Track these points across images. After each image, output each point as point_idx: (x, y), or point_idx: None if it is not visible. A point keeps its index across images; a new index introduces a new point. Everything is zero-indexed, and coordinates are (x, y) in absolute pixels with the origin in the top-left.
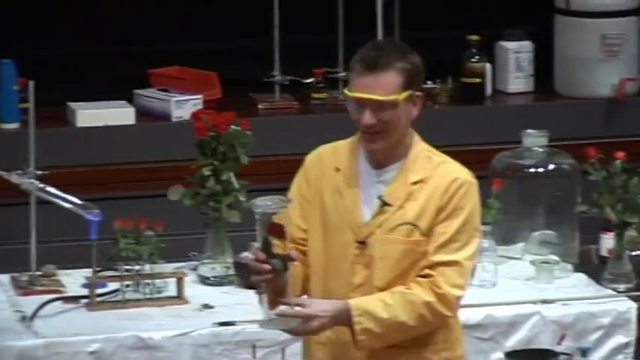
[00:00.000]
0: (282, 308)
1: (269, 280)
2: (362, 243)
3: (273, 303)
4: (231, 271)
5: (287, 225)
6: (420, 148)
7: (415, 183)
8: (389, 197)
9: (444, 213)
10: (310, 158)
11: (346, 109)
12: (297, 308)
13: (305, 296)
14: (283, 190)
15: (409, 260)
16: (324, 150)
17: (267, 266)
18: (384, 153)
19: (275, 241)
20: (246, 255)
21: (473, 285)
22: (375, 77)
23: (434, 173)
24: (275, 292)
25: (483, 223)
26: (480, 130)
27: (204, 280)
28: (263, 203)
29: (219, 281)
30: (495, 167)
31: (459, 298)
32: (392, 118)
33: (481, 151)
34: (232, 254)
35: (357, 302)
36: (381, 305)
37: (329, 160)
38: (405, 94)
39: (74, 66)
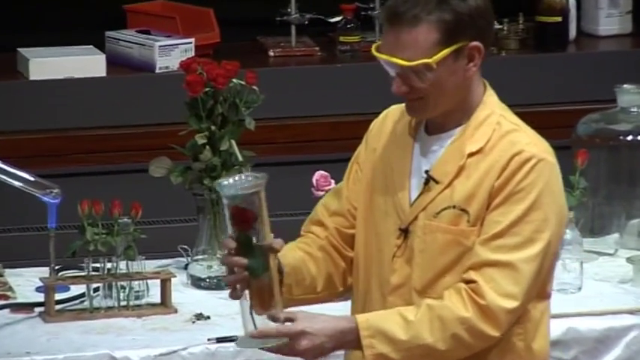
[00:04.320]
0: (261, 326)
1: (243, 278)
2: (404, 231)
3: (258, 308)
4: None
5: (258, 212)
6: (489, 110)
7: (472, 155)
8: (437, 172)
9: (500, 196)
10: (377, 118)
11: None
12: (286, 323)
13: (294, 308)
14: (302, 164)
15: (451, 256)
16: (392, 110)
17: (241, 260)
18: (435, 119)
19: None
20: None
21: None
22: (399, 34)
23: (498, 143)
24: (259, 294)
25: None
26: (561, 84)
27: (197, 283)
28: (229, 183)
29: (216, 284)
30: (580, 134)
31: (509, 312)
32: (429, 84)
33: (562, 112)
34: None
35: (368, 319)
36: (400, 322)
37: (391, 122)
38: (444, 52)
39: (28, 3)
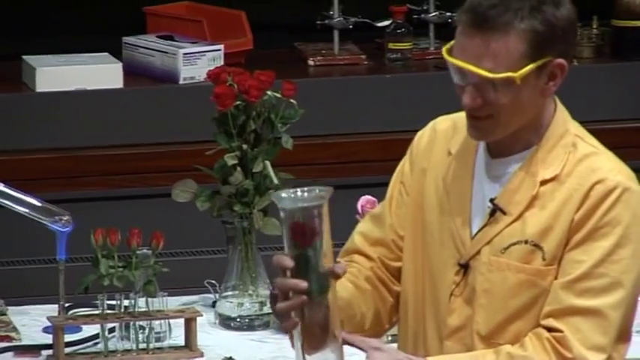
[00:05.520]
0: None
1: (301, 304)
2: (464, 266)
3: (312, 343)
4: (267, 309)
5: (320, 226)
6: (562, 130)
7: (545, 182)
8: (505, 201)
9: (582, 231)
10: (423, 131)
11: (439, 65)
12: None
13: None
14: (346, 188)
15: (524, 299)
16: (441, 122)
17: (301, 282)
18: (501, 140)
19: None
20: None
21: (634, 333)
22: (484, 40)
23: (575, 169)
24: (312, 327)
25: None
26: None
27: (226, 323)
28: (288, 195)
29: (248, 324)
30: None
31: None
32: (506, 101)
33: None
34: (268, 283)
35: None
36: None
37: (443, 137)
38: (529, 67)
39: (34, 4)
